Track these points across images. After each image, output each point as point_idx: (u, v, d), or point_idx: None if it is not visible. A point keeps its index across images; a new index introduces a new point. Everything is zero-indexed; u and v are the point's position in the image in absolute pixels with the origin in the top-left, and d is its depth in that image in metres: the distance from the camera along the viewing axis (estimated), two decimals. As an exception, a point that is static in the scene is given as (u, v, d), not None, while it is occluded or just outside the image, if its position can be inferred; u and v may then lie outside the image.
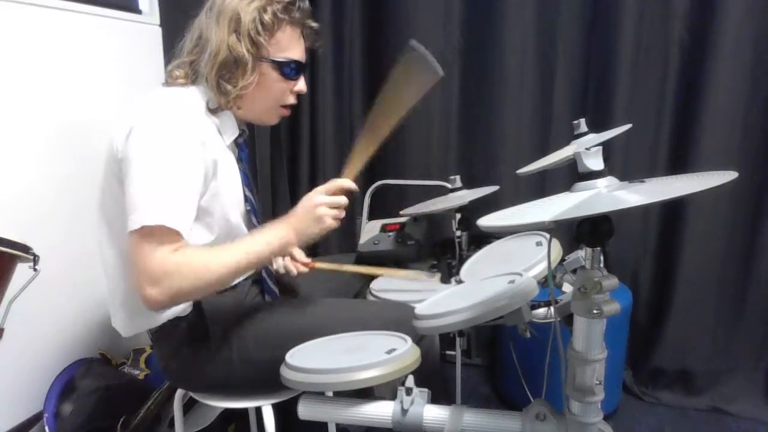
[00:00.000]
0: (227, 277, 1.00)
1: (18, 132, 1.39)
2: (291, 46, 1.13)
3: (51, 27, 1.47)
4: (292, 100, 1.18)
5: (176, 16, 1.81)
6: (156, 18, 1.82)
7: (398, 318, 1.06)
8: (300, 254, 1.35)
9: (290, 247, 1.09)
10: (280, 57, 1.11)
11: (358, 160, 1.19)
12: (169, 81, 1.12)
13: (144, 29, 1.78)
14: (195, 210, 1.00)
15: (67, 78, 1.52)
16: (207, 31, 1.08)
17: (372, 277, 1.46)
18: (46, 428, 1.37)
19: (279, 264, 1.34)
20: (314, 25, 1.17)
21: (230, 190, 1.12)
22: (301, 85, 1.17)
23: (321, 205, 1.08)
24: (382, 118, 1.18)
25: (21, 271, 1.11)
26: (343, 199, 1.12)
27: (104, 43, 1.63)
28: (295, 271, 1.33)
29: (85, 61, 1.57)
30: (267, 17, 1.06)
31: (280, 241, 1.05)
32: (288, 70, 1.12)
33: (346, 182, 1.14)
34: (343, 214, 1.13)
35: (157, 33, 1.82)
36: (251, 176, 1.22)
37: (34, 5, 1.41)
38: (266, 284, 1.27)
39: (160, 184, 0.95)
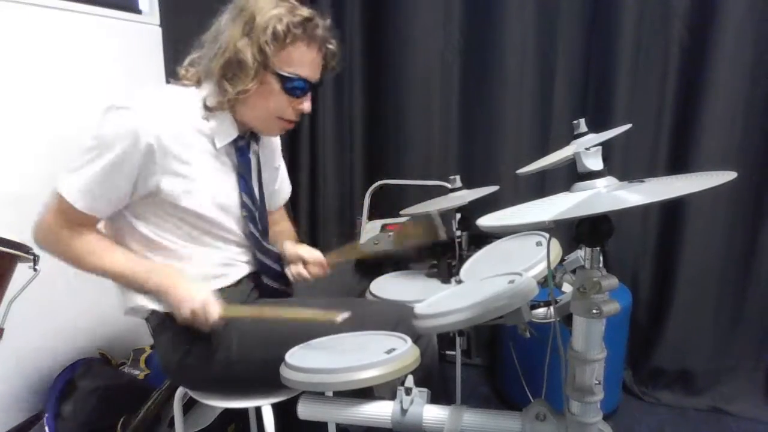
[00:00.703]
0: (91, 273, 1.09)
1: (18, 132, 1.39)
2: (303, 64, 1.09)
3: (51, 27, 1.47)
4: (292, 116, 1.15)
5: (176, 16, 1.82)
6: (156, 18, 1.82)
7: (398, 318, 1.06)
8: (312, 255, 1.28)
9: (160, 295, 1.08)
10: (287, 71, 1.07)
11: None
12: (176, 80, 1.12)
13: (144, 29, 1.78)
14: (110, 197, 1.05)
15: (67, 78, 1.52)
16: (224, 25, 1.08)
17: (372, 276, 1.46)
18: (46, 428, 1.37)
19: (292, 272, 1.29)
20: (331, 46, 1.13)
21: (205, 191, 1.10)
22: (305, 104, 1.13)
23: (202, 308, 1.02)
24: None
25: (21, 271, 1.11)
26: (202, 319, 1.04)
27: (104, 43, 1.63)
28: (308, 276, 1.29)
29: (85, 61, 1.57)
30: (280, 28, 1.03)
31: (151, 286, 1.07)
32: (292, 86, 1.09)
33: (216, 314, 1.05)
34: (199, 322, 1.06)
35: (157, 33, 1.82)
36: (255, 181, 1.21)
37: (34, 5, 1.41)
38: (266, 283, 1.27)
39: (86, 164, 1.02)
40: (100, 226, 1.13)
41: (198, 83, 1.12)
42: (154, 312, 1.13)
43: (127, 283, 1.10)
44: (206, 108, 1.09)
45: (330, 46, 1.13)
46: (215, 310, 1.03)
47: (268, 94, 1.09)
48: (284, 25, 1.03)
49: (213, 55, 1.07)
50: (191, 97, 1.09)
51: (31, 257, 1.10)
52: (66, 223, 1.05)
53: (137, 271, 1.07)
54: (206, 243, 1.15)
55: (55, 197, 1.05)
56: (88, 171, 1.02)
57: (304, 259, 1.27)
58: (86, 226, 1.08)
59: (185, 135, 1.07)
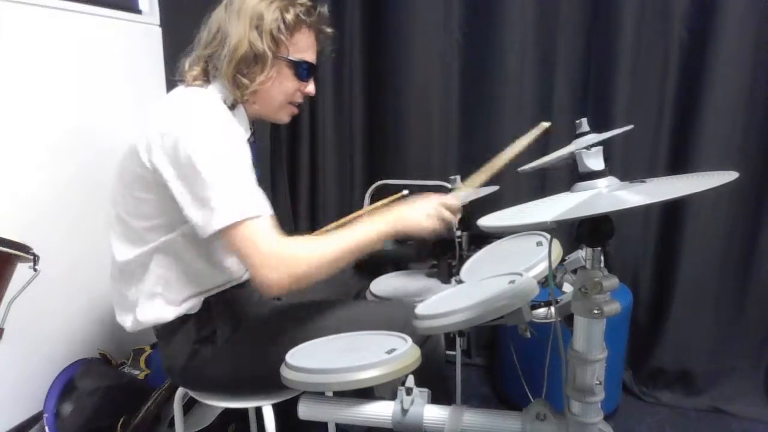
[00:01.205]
0: (341, 261, 1.02)
1: (18, 132, 1.39)
2: (307, 48, 1.16)
3: (51, 27, 1.47)
4: (300, 99, 1.21)
5: (176, 16, 1.81)
6: (156, 18, 1.82)
7: (398, 318, 1.06)
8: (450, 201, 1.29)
9: (396, 232, 1.09)
10: (297, 57, 1.14)
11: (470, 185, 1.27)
12: (188, 81, 1.12)
13: (144, 29, 1.78)
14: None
15: (66, 78, 1.52)
16: (226, 25, 1.09)
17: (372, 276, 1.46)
18: (46, 428, 1.37)
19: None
20: (329, 31, 1.20)
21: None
22: (311, 86, 1.20)
23: (441, 207, 1.14)
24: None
25: (21, 271, 1.11)
26: (454, 216, 1.17)
27: (104, 43, 1.63)
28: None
29: (85, 62, 1.56)
30: (289, 17, 1.09)
31: (388, 226, 1.07)
32: (302, 70, 1.15)
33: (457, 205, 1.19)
34: (448, 225, 1.16)
35: (157, 33, 1.82)
36: (259, 173, 1.23)
37: (34, 5, 1.41)
38: None
39: (238, 178, 0.97)
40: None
41: (205, 84, 1.13)
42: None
43: (365, 248, 1.06)
44: (228, 106, 1.11)
45: (326, 31, 1.20)
46: (452, 203, 1.15)
47: (283, 81, 1.14)
48: (292, 14, 1.09)
49: (224, 55, 1.08)
50: (214, 97, 1.10)
51: (31, 257, 1.10)
52: (276, 239, 0.97)
53: (360, 234, 1.04)
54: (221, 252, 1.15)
55: (243, 231, 0.94)
56: (236, 176, 0.97)
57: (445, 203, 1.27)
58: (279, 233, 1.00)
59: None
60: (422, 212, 1.12)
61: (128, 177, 1.06)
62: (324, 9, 1.17)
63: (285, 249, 0.97)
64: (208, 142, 0.97)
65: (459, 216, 1.18)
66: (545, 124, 1.34)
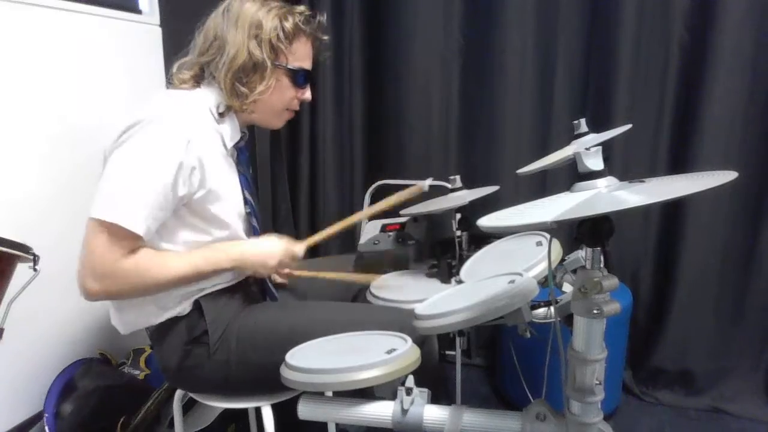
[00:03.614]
0: (166, 287, 1.05)
1: (18, 132, 1.39)
2: (304, 56, 1.17)
3: (51, 27, 1.47)
4: (297, 106, 1.22)
5: (176, 16, 1.81)
6: (156, 18, 1.82)
7: (398, 320, 1.06)
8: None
9: (234, 265, 1.10)
10: (295, 65, 1.14)
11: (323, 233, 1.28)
12: (175, 84, 1.12)
13: (144, 29, 1.78)
14: (160, 214, 1.00)
15: (66, 78, 1.52)
16: (224, 33, 1.08)
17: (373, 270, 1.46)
18: (46, 428, 1.37)
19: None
20: (325, 38, 1.21)
21: (227, 193, 1.12)
22: (307, 93, 1.21)
23: (285, 255, 1.14)
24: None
25: (21, 271, 1.11)
26: (291, 264, 1.20)
27: (104, 43, 1.62)
28: (279, 279, 1.36)
29: (85, 62, 1.56)
30: (289, 26, 1.09)
31: (229, 264, 1.08)
32: (299, 78, 1.16)
33: (301, 250, 1.21)
34: (282, 271, 1.24)
35: (157, 33, 1.82)
36: (251, 179, 1.22)
37: (34, 5, 1.41)
38: (267, 285, 1.27)
39: (130, 184, 0.98)
40: None
41: (194, 87, 1.12)
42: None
43: (196, 281, 1.09)
44: (216, 114, 1.10)
45: (323, 39, 1.21)
46: (298, 248, 1.17)
47: (281, 90, 1.15)
48: (291, 23, 1.10)
49: (222, 63, 1.07)
50: (200, 101, 1.10)
51: (31, 257, 1.10)
52: (121, 252, 0.98)
53: (200, 265, 1.06)
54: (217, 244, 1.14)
55: (101, 229, 0.96)
56: (142, 191, 0.97)
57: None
58: (134, 249, 1.01)
59: (209, 140, 1.08)
60: (267, 257, 1.12)
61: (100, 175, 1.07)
62: (323, 18, 1.18)
63: (117, 266, 0.97)
64: (142, 146, 0.98)
65: (299, 256, 1.20)
66: (421, 186, 1.36)
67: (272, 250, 1.13)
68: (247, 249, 1.11)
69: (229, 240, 1.14)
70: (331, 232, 1.29)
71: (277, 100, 1.16)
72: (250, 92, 1.09)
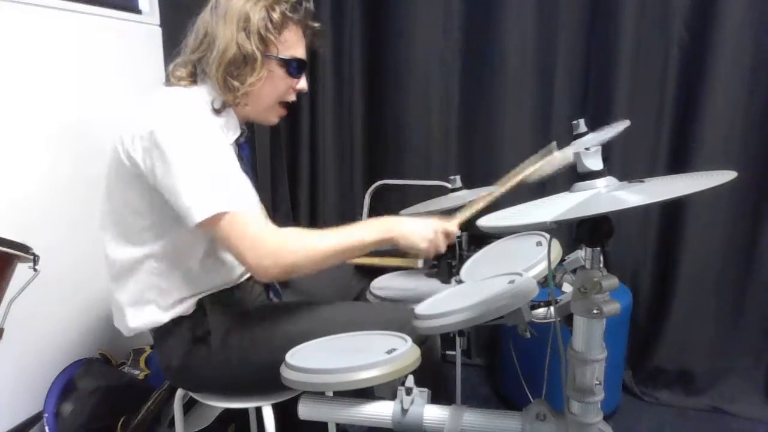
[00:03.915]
0: (332, 258, 1.05)
1: (18, 132, 1.39)
2: (296, 45, 1.15)
3: (51, 27, 1.47)
4: (293, 97, 1.21)
5: (176, 16, 1.81)
6: (156, 18, 1.82)
7: (398, 320, 1.06)
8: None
9: (389, 242, 1.10)
10: (287, 55, 1.13)
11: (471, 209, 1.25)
12: (172, 81, 1.12)
13: (144, 29, 1.78)
14: (248, 185, 1.06)
15: (67, 78, 1.52)
16: (213, 29, 1.08)
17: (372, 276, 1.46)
18: (46, 428, 1.37)
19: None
20: (316, 25, 1.19)
21: None
22: (302, 83, 1.20)
23: (440, 233, 1.14)
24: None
25: (21, 271, 1.11)
26: (448, 241, 1.18)
27: (104, 43, 1.63)
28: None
29: (85, 62, 1.57)
30: (276, 15, 1.08)
31: (384, 235, 1.08)
32: (293, 67, 1.15)
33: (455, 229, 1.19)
34: (442, 250, 1.17)
35: (157, 33, 1.82)
36: (252, 177, 1.22)
37: (34, 5, 1.41)
38: (271, 284, 1.26)
39: (214, 170, 0.99)
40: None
41: (191, 84, 1.13)
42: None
43: (357, 251, 1.09)
44: (213, 110, 1.10)
45: (313, 25, 1.19)
46: (451, 228, 1.15)
47: (274, 81, 1.14)
48: (278, 12, 1.09)
49: (213, 58, 1.07)
50: (198, 97, 1.10)
51: (31, 257, 1.11)
52: (263, 228, 1.00)
53: (356, 236, 1.06)
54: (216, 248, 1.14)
55: (226, 222, 0.97)
56: (213, 168, 0.99)
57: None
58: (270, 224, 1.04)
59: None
60: (423, 234, 1.11)
61: (113, 174, 1.07)
62: (309, 4, 1.16)
63: (273, 238, 1.00)
64: (181, 135, 0.98)
65: (454, 236, 1.19)
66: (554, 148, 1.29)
67: (428, 230, 1.12)
68: (405, 225, 1.11)
69: None
70: (480, 207, 1.25)
71: (271, 91, 1.15)
72: (241, 85, 1.08)
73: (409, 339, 0.91)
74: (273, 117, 1.22)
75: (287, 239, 1.02)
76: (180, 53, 1.14)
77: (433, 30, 2.02)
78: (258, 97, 1.14)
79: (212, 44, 1.08)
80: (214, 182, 0.98)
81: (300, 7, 1.13)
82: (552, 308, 0.90)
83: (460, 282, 1.11)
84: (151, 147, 0.98)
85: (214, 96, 1.10)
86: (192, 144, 0.99)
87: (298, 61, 1.16)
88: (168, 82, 1.14)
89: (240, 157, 1.17)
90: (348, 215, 2.28)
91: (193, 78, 1.12)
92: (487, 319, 0.78)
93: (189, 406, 1.46)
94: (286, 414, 1.12)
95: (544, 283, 0.89)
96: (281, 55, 1.12)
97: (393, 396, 0.85)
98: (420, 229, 1.11)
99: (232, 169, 1.03)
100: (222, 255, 1.15)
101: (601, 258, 0.72)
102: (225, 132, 1.12)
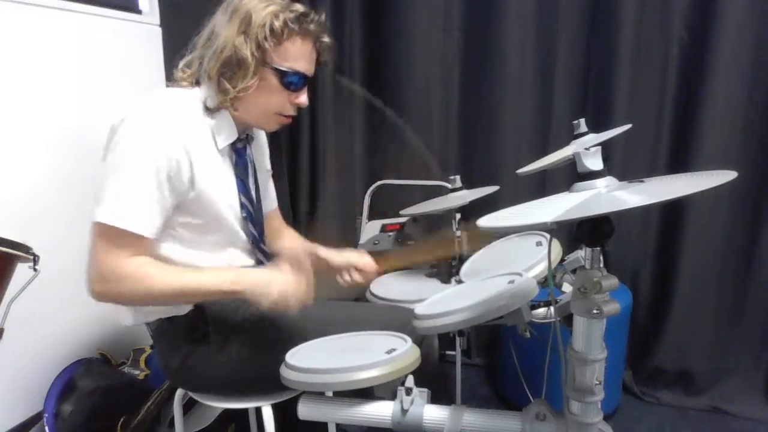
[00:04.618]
0: (168, 299, 1.05)
1: (18, 132, 1.39)
2: (299, 58, 1.10)
3: (51, 27, 1.47)
4: (291, 111, 1.16)
5: (176, 16, 1.82)
6: (156, 18, 1.82)
7: (398, 320, 1.06)
8: (365, 263, 1.28)
9: (236, 295, 1.03)
10: (284, 66, 1.08)
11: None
12: (173, 81, 1.12)
13: (144, 29, 1.78)
14: (162, 213, 1.01)
15: (67, 78, 1.52)
16: (218, 27, 1.07)
17: None
18: (46, 428, 1.37)
19: (345, 280, 1.29)
20: (327, 40, 1.14)
21: (220, 194, 1.10)
22: (302, 98, 1.14)
23: (282, 288, 1.02)
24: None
25: (21, 271, 1.11)
26: (306, 295, 1.05)
27: (104, 43, 1.63)
28: (363, 282, 1.29)
29: (85, 61, 1.57)
30: (277, 24, 1.04)
31: (230, 287, 1.02)
32: (290, 80, 1.09)
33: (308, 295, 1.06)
34: (295, 303, 1.03)
35: (157, 33, 1.82)
36: (252, 183, 1.21)
37: (34, 5, 1.41)
38: None
39: (129, 186, 0.97)
40: None
41: (194, 85, 1.12)
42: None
43: (202, 299, 1.07)
44: (207, 109, 1.09)
45: (324, 40, 1.14)
46: (303, 292, 1.03)
47: (268, 90, 1.09)
48: (281, 21, 1.04)
49: (210, 56, 1.06)
50: (194, 99, 1.09)
51: (31, 257, 1.10)
52: (123, 254, 0.98)
53: (206, 287, 1.02)
54: (211, 247, 1.14)
55: (102, 232, 0.97)
56: (136, 190, 0.97)
57: (356, 266, 1.27)
58: (140, 251, 1.00)
59: (199, 137, 1.07)
60: (276, 288, 1.01)
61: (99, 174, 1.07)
62: (320, 17, 1.12)
63: (118, 268, 0.97)
64: (130, 144, 0.98)
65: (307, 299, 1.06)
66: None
67: (283, 285, 1.01)
68: (260, 277, 1.03)
69: (227, 243, 1.14)
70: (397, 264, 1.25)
71: (265, 101, 1.10)
72: (233, 89, 1.05)
73: (408, 339, 0.91)
74: (270, 125, 1.18)
75: (131, 273, 0.98)
76: (188, 50, 1.13)
77: (433, 30, 2.02)
78: (250, 105, 1.10)
79: (214, 41, 1.07)
80: (121, 197, 0.97)
81: (305, 19, 1.08)
82: (552, 308, 0.90)
83: (460, 282, 1.11)
84: (112, 134, 1.00)
85: (209, 95, 1.09)
86: (134, 151, 0.98)
87: (297, 74, 1.09)
88: (169, 82, 1.14)
89: (236, 165, 1.15)
90: (348, 215, 2.28)
91: (196, 78, 1.12)
92: (486, 319, 0.78)
93: (189, 406, 1.46)
94: (285, 414, 1.12)
95: (544, 283, 0.89)
96: (277, 66, 1.07)
97: (393, 396, 0.85)
98: (277, 282, 1.01)
99: (147, 192, 0.98)
100: (219, 254, 1.15)
101: (601, 258, 0.72)
102: (216, 134, 1.09)
